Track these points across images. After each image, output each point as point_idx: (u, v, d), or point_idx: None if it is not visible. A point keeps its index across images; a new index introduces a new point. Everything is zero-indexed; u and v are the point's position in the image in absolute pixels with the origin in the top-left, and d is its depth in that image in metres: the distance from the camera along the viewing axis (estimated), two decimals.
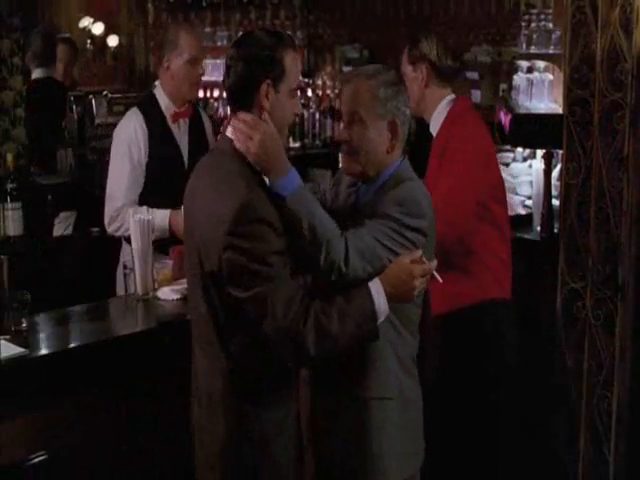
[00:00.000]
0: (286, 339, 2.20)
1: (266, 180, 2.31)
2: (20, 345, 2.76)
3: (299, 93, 2.42)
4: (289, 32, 7.09)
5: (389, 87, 2.43)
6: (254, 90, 2.28)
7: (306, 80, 7.16)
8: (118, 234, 3.60)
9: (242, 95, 2.31)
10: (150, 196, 3.54)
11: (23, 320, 2.87)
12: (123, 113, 4.62)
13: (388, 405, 2.44)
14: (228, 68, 2.32)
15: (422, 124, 3.34)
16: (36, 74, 5.59)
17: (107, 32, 7.64)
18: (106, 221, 3.61)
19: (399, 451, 2.47)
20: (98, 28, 7.66)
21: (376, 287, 2.28)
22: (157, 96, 3.68)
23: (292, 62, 2.32)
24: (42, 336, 2.91)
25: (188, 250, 2.40)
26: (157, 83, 3.78)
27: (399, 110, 2.44)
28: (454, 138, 3.17)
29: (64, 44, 6.05)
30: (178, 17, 7.39)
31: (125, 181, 3.58)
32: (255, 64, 2.27)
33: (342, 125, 2.49)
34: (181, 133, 3.72)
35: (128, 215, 3.37)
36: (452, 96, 3.28)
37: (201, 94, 6.56)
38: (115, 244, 4.04)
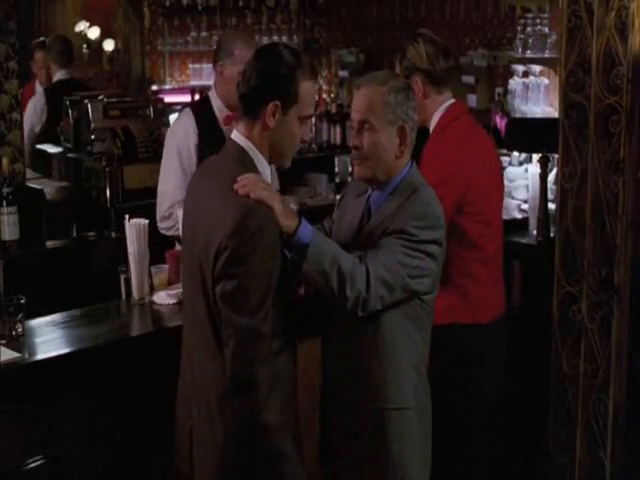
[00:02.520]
0: (235, 371, 2.21)
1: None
2: (16, 350, 2.76)
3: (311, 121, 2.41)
4: (285, 36, 7.12)
5: (399, 93, 2.46)
6: (261, 105, 2.27)
7: None
8: (170, 233, 3.61)
9: (250, 106, 2.31)
10: None
11: (19, 325, 2.87)
12: (119, 117, 4.66)
13: (407, 414, 2.46)
14: (244, 74, 2.31)
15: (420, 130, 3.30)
16: (59, 75, 5.75)
17: (103, 36, 7.63)
18: (158, 218, 3.62)
19: (419, 458, 2.50)
20: (94, 32, 7.66)
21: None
22: (211, 98, 3.72)
23: (307, 90, 2.30)
24: (38, 341, 2.91)
25: (188, 254, 2.38)
26: (212, 87, 3.78)
27: (408, 116, 2.48)
28: (435, 149, 3.09)
29: (42, 49, 6.04)
30: (174, 21, 7.39)
31: (174, 181, 3.60)
32: (268, 80, 2.27)
33: (353, 132, 2.51)
34: None
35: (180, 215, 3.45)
36: (451, 101, 3.17)
37: (197, 97, 6.56)
38: (112, 248, 4.04)
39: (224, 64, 3.59)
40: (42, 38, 6.34)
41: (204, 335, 2.31)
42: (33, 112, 5.57)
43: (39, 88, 6.02)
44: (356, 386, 2.47)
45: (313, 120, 5.72)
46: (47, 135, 5.36)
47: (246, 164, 2.30)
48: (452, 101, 3.19)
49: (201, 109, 3.72)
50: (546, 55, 4.89)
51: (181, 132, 3.66)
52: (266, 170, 2.36)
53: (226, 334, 2.22)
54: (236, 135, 2.35)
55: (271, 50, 2.34)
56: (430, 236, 2.40)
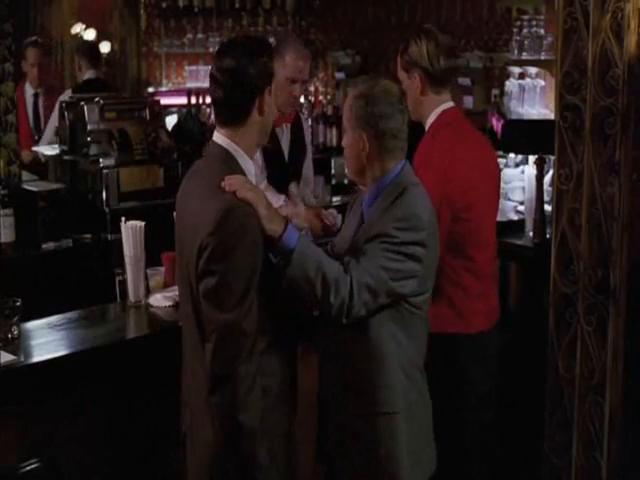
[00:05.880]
0: (215, 367, 2.22)
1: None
2: (11, 352, 2.75)
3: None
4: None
5: (360, 99, 2.48)
6: (248, 107, 2.30)
7: None
8: None
9: (237, 110, 2.31)
10: None
11: (14, 327, 2.87)
12: (115, 119, 4.65)
13: (396, 418, 2.46)
14: (216, 81, 2.31)
15: (416, 127, 3.25)
16: (88, 75, 5.88)
17: (99, 38, 7.62)
18: None
19: (408, 461, 2.49)
20: (90, 34, 7.65)
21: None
22: None
23: (275, 64, 2.38)
24: (34, 343, 2.90)
25: (179, 258, 2.41)
26: None
27: (368, 124, 2.47)
28: (423, 156, 3.05)
29: (34, 47, 6.05)
30: (170, 23, 7.40)
31: None
32: (250, 81, 2.28)
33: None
34: (283, 137, 3.83)
35: None
36: (447, 105, 3.12)
37: (193, 100, 6.57)
38: (108, 250, 4.04)
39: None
40: (35, 37, 6.34)
41: (193, 337, 2.33)
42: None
43: (32, 96, 6.04)
44: (345, 390, 2.48)
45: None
46: None
47: (231, 164, 2.32)
48: (448, 106, 3.13)
49: None
50: (542, 57, 4.90)
51: None
52: (250, 168, 2.38)
53: (208, 330, 2.23)
54: (218, 137, 2.36)
55: (233, 50, 2.33)
56: (411, 238, 2.39)
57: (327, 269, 2.29)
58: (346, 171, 2.68)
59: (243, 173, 2.33)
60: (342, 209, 5.05)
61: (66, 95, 5.60)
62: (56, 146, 5.00)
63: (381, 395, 2.44)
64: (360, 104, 2.47)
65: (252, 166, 2.39)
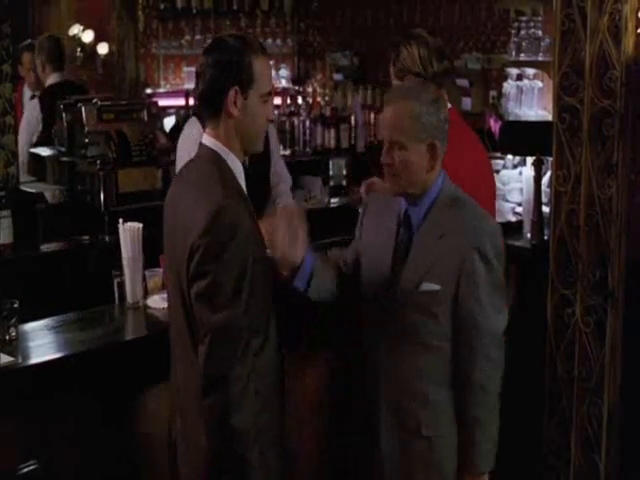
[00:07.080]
0: (210, 368, 2.21)
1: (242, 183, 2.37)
2: (9, 354, 2.75)
3: (272, 98, 2.42)
4: (279, 39, 7.13)
5: (430, 107, 2.42)
6: (222, 96, 2.29)
7: (296, 87, 7.18)
8: None
9: (210, 101, 2.32)
10: None
11: (12, 329, 2.87)
12: (113, 121, 4.65)
13: (447, 443, 2.52)
14: (198, 75, 2.34)
15: None
16: (52, 79, 5.60)
17: (97, 40, 7.62)
18: None
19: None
20: (88, 36, 7.65)
21: None
22: None
23: (261, 67, 2.31)
24: (31, 345, 2.90)
25: (170, 263, 2.40)
26: None
27: (438, 129, 2.43)
28: None
29: (29, 51, 5.96)
30: (168, 25, 7.40)
31: None
32: (222, 70, 2.28)
33: (384, 149, 2.47)
34: None
35: None
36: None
37: (192, 102, 6.57)
38: (106, 252, 4.03)
39: None
40: (29, 40, 6.27)
41: (185, 342, 2.32)
42: (28, 124, 5.48)
43: (30, 99, 5.97)
44: (410, 414, 2.49)
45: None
46: (42, 139, 5.32)
47: (220, 166, 2.32)
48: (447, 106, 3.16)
49: None
50: (540, 58, 4.90)
51: (191, 141, 3.56)
52: (238, 167, 2.37)
53: (201, 333, 2.22)
54: (206, 139, 2.37)
55: (216, 42, 2.37)
56: (497, 250, 2.47)
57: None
58: (391, 188, 2.55)
59: (232, 174, 2.33)
60: (340, 211, 5.11)
61: (32, 108, 5.53)
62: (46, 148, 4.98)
63: (434, 419, 2.49)
64: (431, 112, 2.41)
65: (240, 165, 2.38)
